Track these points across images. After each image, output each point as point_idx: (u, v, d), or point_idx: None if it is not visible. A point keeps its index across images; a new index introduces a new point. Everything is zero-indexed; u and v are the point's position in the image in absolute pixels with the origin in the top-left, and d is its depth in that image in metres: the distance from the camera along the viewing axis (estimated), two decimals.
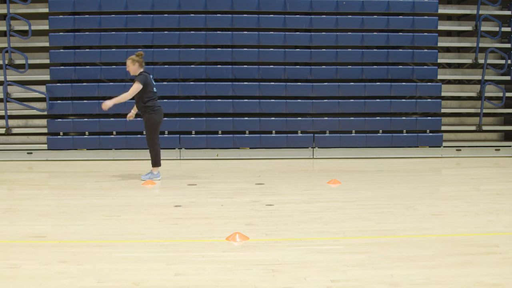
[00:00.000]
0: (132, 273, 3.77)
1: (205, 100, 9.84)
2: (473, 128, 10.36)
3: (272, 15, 9.92)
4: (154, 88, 7.32)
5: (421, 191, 6.81)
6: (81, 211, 5.66)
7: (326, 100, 9.99)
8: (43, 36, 9.88)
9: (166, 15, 9.82)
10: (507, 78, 10.40)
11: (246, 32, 9.91)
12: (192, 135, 9.81)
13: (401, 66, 10.16)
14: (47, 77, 9.81)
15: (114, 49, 9.76)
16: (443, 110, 10.23)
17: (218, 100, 9.89)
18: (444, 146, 10.08)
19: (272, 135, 9.87)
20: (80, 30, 9.96)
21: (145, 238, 4.66)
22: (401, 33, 10.16)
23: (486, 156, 10.06)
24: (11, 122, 9.88)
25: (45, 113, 9.77)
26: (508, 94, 10.26)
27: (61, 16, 9.76)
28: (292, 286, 3.55)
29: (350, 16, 10.00)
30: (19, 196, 6.71)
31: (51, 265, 3.92)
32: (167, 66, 9.89)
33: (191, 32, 9.90)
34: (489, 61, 10.24)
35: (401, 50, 10.11)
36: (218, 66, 9.97)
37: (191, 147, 9.81)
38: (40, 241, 4.54)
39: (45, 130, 9.81)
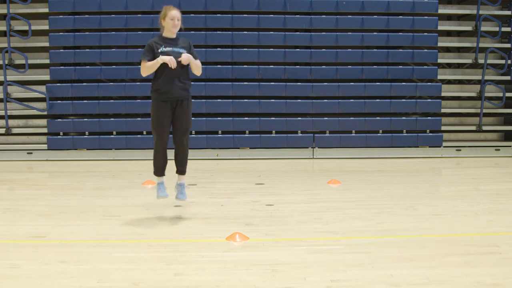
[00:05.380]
0: (132, 273, 3.77)
1: (205, 100, 9.84)
2: (473, 128, 10.36)
3: (272, 15, 9.91)
4: None
5: (421, 191, 6.81)
6: (81, 211, 5.66)
7: (326, 100, 9.99)
8: (43, 36, 9.87)
9: None
10: (507, 78, 10.40)
11: (246, 32, 9.90)
12: (192, 135, 9.81)
13: (401, 66, 10.15)
14: (47, 77, 9.81)
15: (114, 49, 9.75)
16: (443, 110, 10.22)
17: (218, 100, 9.88)
18: (444, 146, 10.08)
19: (272, 135, 9.87)
20: (80, 30, 9.95)
21: (145, 238, 4.66)
22: (401, 33, 10.15)
23: (486, 156, 10.05)
24: (11, 122, 9.87)
25: (45, 113, 9.76)
26: (508, 94, 10.25)
27: (61, 16, 9.75)
28: (292, 286, 3.55)
29: (350, 16, 9.99)
30: (19, 196, 6.70)
31: (51, 265, 3.92)
32: None
33: (191, 32, 9.89)
34: (489, 61, 10.23)
35: (401, 50, 10.11)
36: (218, 66, 9.96)
37: (191, 147, 9.73)
38: (40, 241, 4.54)
39: (45, 130, 9.80)
